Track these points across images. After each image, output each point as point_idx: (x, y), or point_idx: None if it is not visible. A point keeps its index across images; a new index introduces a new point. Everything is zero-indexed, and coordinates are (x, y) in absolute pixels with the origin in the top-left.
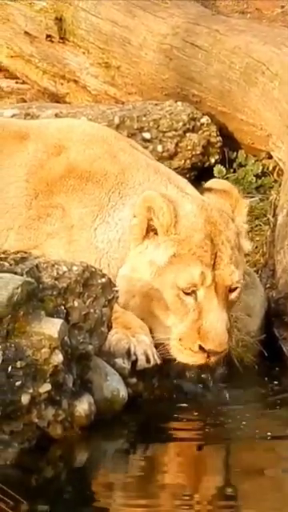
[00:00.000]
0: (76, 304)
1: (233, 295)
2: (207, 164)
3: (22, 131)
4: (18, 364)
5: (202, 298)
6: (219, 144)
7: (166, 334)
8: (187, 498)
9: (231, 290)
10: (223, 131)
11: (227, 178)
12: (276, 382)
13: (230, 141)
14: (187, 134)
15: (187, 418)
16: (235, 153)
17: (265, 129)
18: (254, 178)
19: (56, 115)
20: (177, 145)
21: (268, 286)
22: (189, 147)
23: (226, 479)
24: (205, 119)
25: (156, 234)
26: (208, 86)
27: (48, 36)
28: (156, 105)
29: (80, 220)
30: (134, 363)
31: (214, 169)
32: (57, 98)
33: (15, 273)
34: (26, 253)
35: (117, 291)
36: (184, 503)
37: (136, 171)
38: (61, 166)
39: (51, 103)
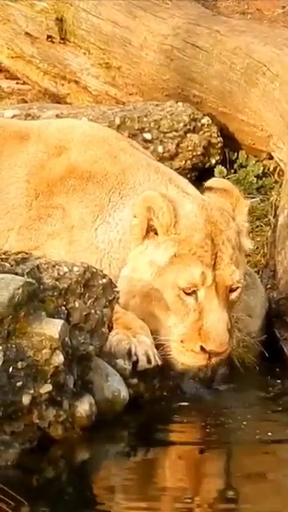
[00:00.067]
0: (77, 305)
1: (233, 295)
2: (208, 165)
3: (22, 132)
4: (19, 365)
5: (203, 298)
6: (220, 145)
7: (167, 335)
8: (188, 500)
9: (232, 290)
10: (224, 132)
11: (228, 179)
12: (277, 383)
13: (230, 141)
14: (188, 135)
15: (188, 419)
16: (236, 153)
17: (265, 129)
18: (255, 179)
19: (57, 116)
20: (177, 145)
21: (269, 286)
22: (189, 148)
23: (226, 482)
24: (205, 120)
25: (156, 234)
26: (209, 87)
27: (49, 37)
28: (157, 105)
29: (80, 220)
30: (135, 364)
31: (215, 169)
32: (57, 99)
33: (16, 273)
34: (26, 253)
35: (117, 292)
36: (184, 505)
37: (136, 171)
38: (61, 167)
39: (52, 104)
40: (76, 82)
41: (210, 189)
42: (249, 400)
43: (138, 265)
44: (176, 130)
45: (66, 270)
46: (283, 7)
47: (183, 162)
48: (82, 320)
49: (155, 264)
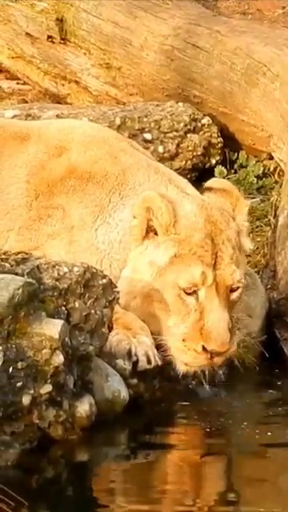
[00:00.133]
0: (77, 305)
1: (234, 295)
2: (208, 165)
3: (22, 132)
4: (19, 365)
5: (204, 297)
6: (220, 145)
7: (168, 335)
8: (188, 500)
9: (232, 290)
10: (224, 132)
11: (228, 179)
12: (277, 383)
13: (230, 142)
14: (188, 135)
15: (188, 419)
16: (236, 154)
17: (266, 130)
18: (255, 179)
19: (57, 116)
20: (178, 146)
21: (269, 286)
22: (190, 148)
23: (226, 484)
24: (206, 120)
25: (156, 234)
26: (209, 87)
27: (49, 37)
28: (157, 106)
29: (81, 221)
30: (135, 364)
31: (215, 170)
32: (58, 99)
33: (16, 274)
34: (26, 254)
35: (117, 292)
36: (184, 506)
37: (136, 172)
38: (61, 167)
39: (52, 104)
40: (76, 83)
41: (209, 189)
42: (249, 400)
43: (138, 265)
44: (176, 131)
45: (66, 270)
46: (283, 7)
47: (183, 162)
48: (82, 320)
49: (155, 264)
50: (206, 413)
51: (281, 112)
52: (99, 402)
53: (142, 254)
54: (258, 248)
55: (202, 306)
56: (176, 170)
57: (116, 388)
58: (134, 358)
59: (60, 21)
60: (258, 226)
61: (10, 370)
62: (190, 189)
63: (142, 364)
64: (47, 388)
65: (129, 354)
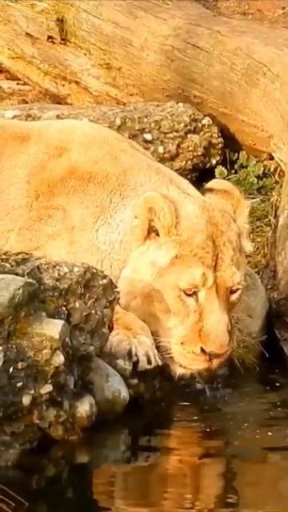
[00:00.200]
0: (77, 305)
1: (234, 297)
2: (208, 165)
3: (23, 132)
4: (20, 365)
5: (203, 299)
6: (220, 145)
7: (168, 336)
8: (187, 503)
9: (232, 292)
10: (224, 132)
11: (228, 179)
12: (277, 383)
13: (231, 142)
14: (188, 135)
15: (188, 420)
16: (236, 154)
17: (266, 130)
18: (256, 179)
19: (57, 116)
20: (178, 146)
21: (269, 287)
22: (190, 148)
23: (226, 486)
24: (206, 120)
25: (157, 234)
26: (209, 87)
27: (49, 37)
28: (157, 106)
29: (81, 221)
30: (136, 364)
31: (216, 170)
32: (58, 100)
33: (16, 274)
34: (27, 254)
35: (118, 292)
36: (184, 508)
37: (137, 172)
38: (62, 168)
39: (52, 104)
40: (76, 83)
41: (210, 190)
42: (249, 400)
43: (138, 265)
44: (176, 131)
45: (66, 270)
46: (283, 8)
47: (184, 162)
48: (82, 320)
49: (156, 265)
50: (206, 413)
51: (281, 112)
52: (99, 402)
53: (143, 254)
54: (258, 248)
55: (201, 307)
56: (176, 170)
57: (116, 388)
58: (135, 359)
59: (60, 21)
60: (258, 227)
61: (11, 370)
62: (191, 189)
63: (143, 364)
64: (47, 388)
65: (129, 354)
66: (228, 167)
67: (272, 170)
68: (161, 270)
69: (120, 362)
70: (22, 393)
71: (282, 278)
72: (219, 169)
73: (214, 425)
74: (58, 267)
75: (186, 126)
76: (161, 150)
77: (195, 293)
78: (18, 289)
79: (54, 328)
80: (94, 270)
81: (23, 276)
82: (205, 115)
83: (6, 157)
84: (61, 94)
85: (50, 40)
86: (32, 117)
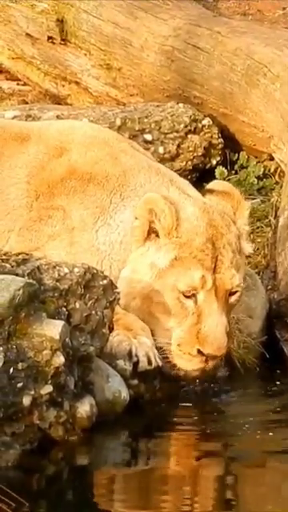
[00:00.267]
0: (77, 306)
1: (233, 298)
2: (209, 166)
3: (23, 133)
4: (20, 366)
5: (202, 301)
6: (221, 146)
7: (167, 337)
8: (187, 502)
9: (231, 294)
10: (225, 133)
11: (229, 180)
12: (277, 384)
13: (231, 142)
14: (189, 136)
15: (188, 421)
16: (237, 154)
17: (266, 130)
18: (256, 180)
19: (57, 117)
20: (178, 146)
21: (269, 287)
22: (190, 149)
23: (226, 486)
24: (206, 121)
25: (157, 236)
26: (209, 88)
27: (49, 38)
28: (157, 106)
29: (81, 222)
30: (136, 365)
31: (216, 170)
32: (58, 100)
33: (17, 274)
34: (27, 254)
35: (118, 293)
36: (184, 507)
37: (137, 173)
38: (62, 168)
39: (52, 105)
40: (77, 83)
41: (211, 191)
42: (249, 401)
43: (138, 266)
44: (177, 131)
45: (66, 271)
46: (284, 8)
47: (184, 163)
48: (82, 321)
49: (156, 266)
50: (207, 414)
51: (281, 113)
52: (100, 402)
53: (143, 255)
54: (258, 249)
55: (200, 309)
56: (176, 170)
57: (116, 389)
58: (135, 359)
59: (60, 21)
60: (258, 227)
61: (11, 370)
62: (192, 190)
63: (143, 365)
64: (48, 389)
65: (129, 354)
66: (228, 168)
67: (272, 170)
68: (160, 271)
69: (120, 363)
70: (22, 393)
71: (282, 278)
72: (219, 169)
73: (214, 426)
74: (58, 268)
75: (186, 126)
76: (161, 150)
77: (194, 295)
78: (19, 289)
79: (54, 328)
80: (94, 271)
81: (23, 276)
82: (205, 116)
83: (6, 157)
84: (61, 95)
85: (50, 40)
86: (32, 117)
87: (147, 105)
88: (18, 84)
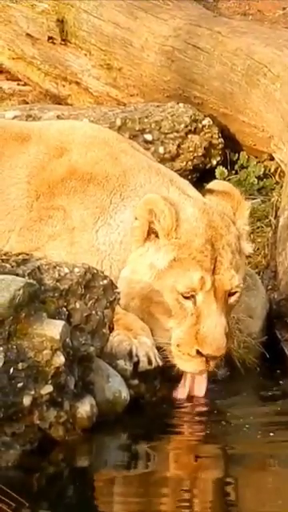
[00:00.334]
0: (78, 306)
1: (232, 299)
2: (209, 166)
3: (23, 133)
4: (20, 366)
5: (201, 302)
6: (221, 146)
7: (166, 337)
8: (187, 504)
9: (231, 294)
10: (225, 133)
11: (229, 180)
12: (278, 384)
13: (231, 142)
14: (189, 136)
15: (188, 421)
16: (237, 154)
17: (266, 130)
18: (256, 180)
19: (58, 117)
20: (178, 146)
21: (269, 287)
22: (190, 149)
23: (227, 487)
24: (206, 121)
25: (157, 236)
26: (210, 88)
27: (50, 38)
28: (158, 106)
29: (81, 222)
30: (136, 365)
31: (216, 170)
32: (58, 100)
33: (17, 274)
34: (27, 254)
35: (118, 293)
36: (184, 509)
37: (137, 173)
38: (62, 168)
39: (53, 105)
40: (77, 83)
41: (211, 191)
42: (250, 402)
43: (137, 267)
44: (177, 131)
45: (66, 271)
46: (284, 8)
47: (184, 163)
48: (82, 321)
49: (155, 267)
50: (207, 414)
51: (281, 113)
52: (100, 402)
53: (142, 255)
54: (258, 249)
55: (199, 310)
56: (177, 170)
57: (117, 389)
58: (135, 359)
59: (61, 22)
60: (258, 227)
61: (11, 370)
62: (192, 190)
63: (143, 365)
64: (48, 389)
65: (130, 354)
66: (228, 168)
67: (272, 170)
68: (159, 272)
69: (120, 363)
70: (22, 393)
71: (283, 278)
72: (219, 169)
73: (214, 427)
74: (58, 268)
75: (186, 126)
76: (161, 150)
77: (193, 296)
78: (19, 289)
79: (54, 329)
80: (95, 271)
81: (24, 277)
82: (205, 116)
83: (7, 157)
84: (61, 95)
85: (51, 40)
86: (32, 117)
87: (147, 105)
88: (18, 84)
